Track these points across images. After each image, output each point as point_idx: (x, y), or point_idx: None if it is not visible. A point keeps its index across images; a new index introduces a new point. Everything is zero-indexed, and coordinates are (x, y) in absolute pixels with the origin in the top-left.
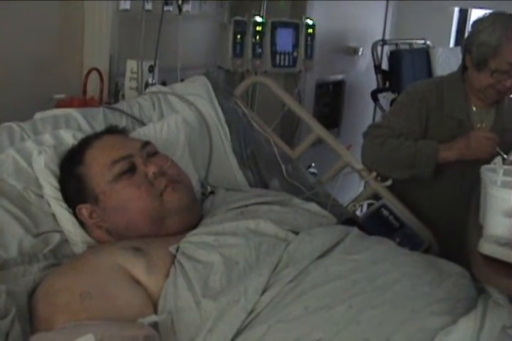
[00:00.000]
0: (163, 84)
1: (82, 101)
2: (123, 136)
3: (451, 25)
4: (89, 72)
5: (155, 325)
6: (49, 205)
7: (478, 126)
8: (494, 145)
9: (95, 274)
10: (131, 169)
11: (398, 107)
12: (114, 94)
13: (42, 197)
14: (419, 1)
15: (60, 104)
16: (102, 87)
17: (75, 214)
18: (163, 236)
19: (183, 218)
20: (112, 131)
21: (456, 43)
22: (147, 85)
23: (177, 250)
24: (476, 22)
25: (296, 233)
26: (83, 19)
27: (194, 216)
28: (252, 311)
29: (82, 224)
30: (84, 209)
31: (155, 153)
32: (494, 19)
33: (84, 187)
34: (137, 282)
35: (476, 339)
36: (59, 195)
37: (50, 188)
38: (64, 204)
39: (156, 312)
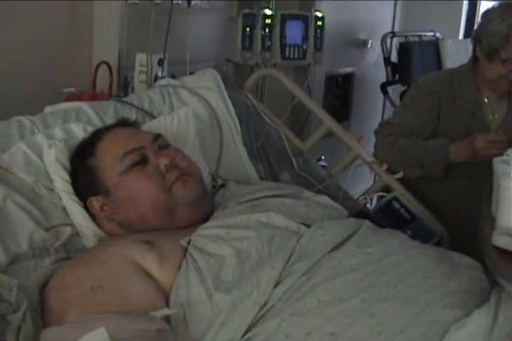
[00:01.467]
0: (173, 77)
1: (92, 95)
2: (134, 128)
3: (461, 17)
4: (99, 65)
5: (167, 318)
6: (60, 199)
7: (491, 117)
8: (504, 145)
9: (107, 268)
10: (143, 161)
11: (408, 101)
12: (123, 88)
13: (52, 190)
14: None
15: (70, 98)
16: (112, 80)
17: (85, 208)
18: (174, 229)
19: (193, 211)
20: (123, 123)
21: (466, 35)
22: (156, 78)
23: (188, 243)
24: (485, 13)
25: (308, 226)
26: (92, 13)
27: (205, 209)
28: (264, 304)
29: (92, 217)
30: (95, 202)
31: (166, 146)
32: (503, 9)
33: (95, 180)
34: (149, 275)
35: (489, 332)
36: (70, 188)
37: (61, 181)
38: (75, 198)
39: (168, 305)
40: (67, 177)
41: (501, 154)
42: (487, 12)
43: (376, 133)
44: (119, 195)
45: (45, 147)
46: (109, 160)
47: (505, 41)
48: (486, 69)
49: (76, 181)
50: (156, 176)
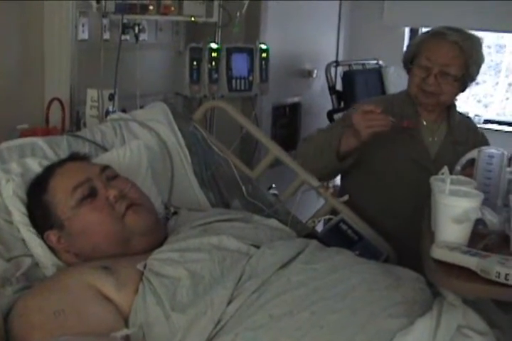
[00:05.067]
0: (123, 111)
1: (45, 131)
2: (85, 162)
3: (403, 44)
4: (51, 101)
5: (127, 339)
6: (18, 231)
7: (430, 140)
8: (379, 117)
9: (67, 293)
10: (92, 193)
11: (340, 118)
12: (75, 123)
13: (11, 223)
14: (370, 22)
15: (24, 134)
16: (64, 116)
17: (44, 239)
18: (130, 255)
19: (147, 238)
20: (74, 157)
21: None
22: (108, 113)
23: (144, 267)
24: None
25: (258, 247)
26: (43, 50)
27: (158, 235)
28: (219, 321)
29: (51, 248)
30: (52, 235)
31: (115, 177)
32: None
33: (50, 214)
34: (108, 299)
35: (432, 338)
36: (27, 220)
37: (19, 214)
38: (33, 230)
39: (127, 327)
40: (24, 210)
41: (374, 126)
42: None
43: None
44: (73, 228)
45: (2, 182)
46: (61, 195)
47: (416, 49)
48: (408, 85)
49: (33, 215)
50: (107, 208)
